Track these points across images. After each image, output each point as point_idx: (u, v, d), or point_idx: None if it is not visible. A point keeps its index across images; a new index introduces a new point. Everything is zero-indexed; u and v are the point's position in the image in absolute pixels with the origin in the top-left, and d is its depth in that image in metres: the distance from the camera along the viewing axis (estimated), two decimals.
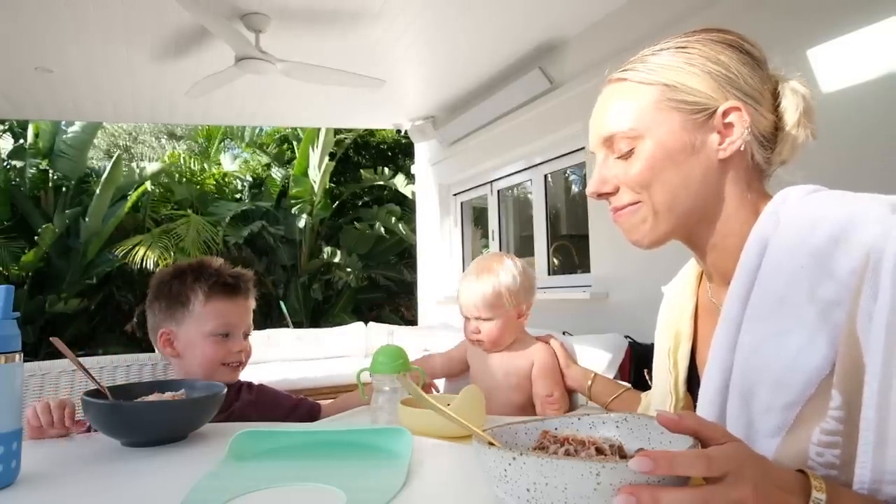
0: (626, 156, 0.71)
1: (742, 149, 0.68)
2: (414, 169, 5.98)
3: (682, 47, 0.71)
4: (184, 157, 9.30)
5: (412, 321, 7.30)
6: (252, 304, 1.28)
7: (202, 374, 1.17)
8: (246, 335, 1.26)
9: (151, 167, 8.73)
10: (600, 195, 0.74)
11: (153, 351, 1.32)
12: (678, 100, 0.68)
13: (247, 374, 1.46)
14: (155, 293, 1.24)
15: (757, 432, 0.60)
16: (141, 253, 7.19)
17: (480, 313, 1.32)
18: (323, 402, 1.35)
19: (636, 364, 2.69)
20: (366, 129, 9.11)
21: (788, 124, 0.70)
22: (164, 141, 12.26)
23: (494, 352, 1.36)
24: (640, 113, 0.70)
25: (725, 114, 0.68)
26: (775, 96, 0.71)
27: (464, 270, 5.37)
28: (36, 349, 6.74)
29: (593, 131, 0.75)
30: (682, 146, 0.68)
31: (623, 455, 0.53)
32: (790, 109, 0.70)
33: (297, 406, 1.32)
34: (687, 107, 0.68)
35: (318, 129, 8.07)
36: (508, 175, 4.56)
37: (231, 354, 1.21)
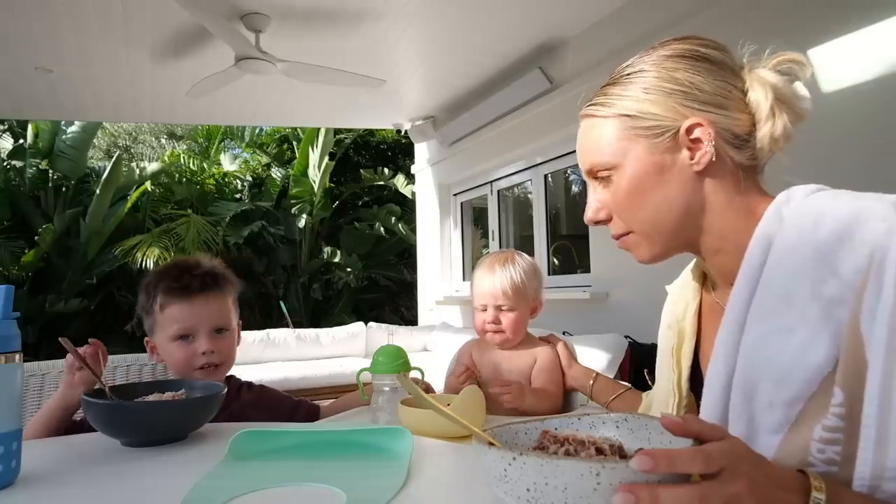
0: (608, 184, 0.74)
1: (714, 158, 0.69)
2: (414, 169, 5.99)
3: (639, 71, 0.72)
4: (184, 157, 9.30)
5: (412, 321, 7.29)
6: (223, 298, 1.19)
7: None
8: (219, 331, 1.17)
9: (151, 167, 8.74)
10: (597, 222, 0.78)
11: None
12: (639, 127, 0.71)
13: (247, 374, 1.46)
14: (137, 307, 1.24)
15: (759, 429, 0.60)
16: (141, 253, 7.19)
17: (503, 302, 1.30)
18: (323, 403, 1.34)
19: (636, 364, 2.69)
20: (366, 129, 9.11)
21: (761, 118, 0.69)
22: (164, 141, 12.27)
23: (506, 348, 1.34)
24: (608, 146, 0.73)
25: (689, 131, 0.69)
26: (746, 93, 0.71)
27: (464, 270, 5.32)
28: (36, 349, 6.74)
29: (579, 163, 0.79)
30: (652, 170, 0.71)
31: (623, 455, 0.53)
32: (760, 102, 0.69)
33: (297, 407, 1.31)
34: (649, 132, 0.70)
35: (318, 129, 8.07)
36: (508, 175, 4.56)
37: (197, 357, 1.14)
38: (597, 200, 0.77)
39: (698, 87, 0.69)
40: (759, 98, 0.69)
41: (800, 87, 0.71)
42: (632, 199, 0.72)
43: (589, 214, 0.78)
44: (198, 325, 1.15)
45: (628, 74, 0.73)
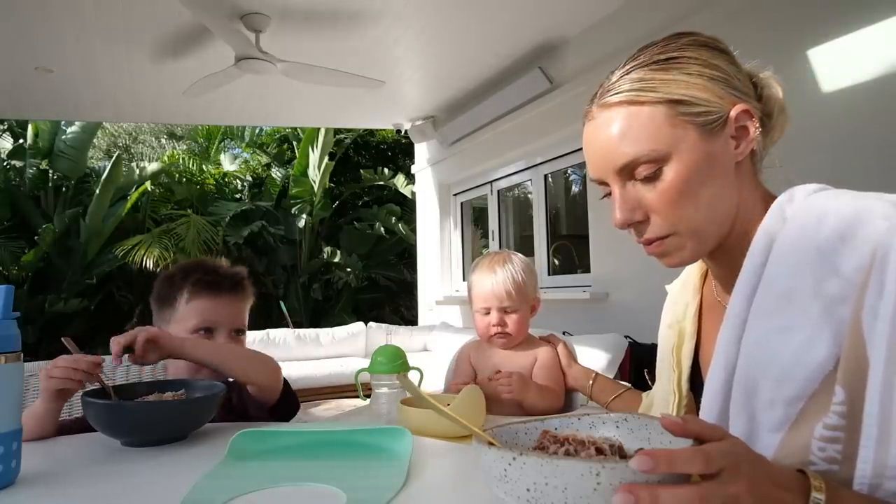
0: (651, 179, 0.67)
1: (755, 147, 0.69)
2: (414, 169, 5.99)
3: (672, 58, 0.68)
4: (184, 157, 9.30)
5: (412, 321, 7.29)
6: (245, 302, 1.24)
7: (189, 376, 1.15)
8: (238, 333, 1.21)
9: (151, 167, 8.74)
10: (630, 225, 0.70)
11: None
12: (690, 113, 0.65)
13: None
14: (152, 296, 1.25)
15: (760, 427, 0.60)
16: (141, 253, 7.19)
17: (508, 303, 1.29)
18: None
19: (636, 364, 2.69)
20: (366, 129, 9.11)
21: (777, 109, 0.71)
22: (164, 141, 12.27)
23: (507, 349, 1.34)
24: (656, 133, 0.66)
25: (738, 118, 0.67)
26: (756, 86, 0.72)
27: (464, 270, 5.31)
28: (36, 349, 6.74)
29: (602, 162, 0.69)
30: (705, 159, 0.66)
31: (623, 455, 0.53)
32: (778, 94, 0.71)
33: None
34: (700, 119, 0.66)
35: (318, 129, 8.07)
36: (508, 175, 4.56)
37: None
38: (630, 199, 0.68)
39: (735, 76, 0.68)
40: (777, 91, 0.71)
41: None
42: (684, 193, 0.66)
43: (622, 216, 0.68)
44: (221, 322, 1.18)
45: (665, 59, 0.68)
